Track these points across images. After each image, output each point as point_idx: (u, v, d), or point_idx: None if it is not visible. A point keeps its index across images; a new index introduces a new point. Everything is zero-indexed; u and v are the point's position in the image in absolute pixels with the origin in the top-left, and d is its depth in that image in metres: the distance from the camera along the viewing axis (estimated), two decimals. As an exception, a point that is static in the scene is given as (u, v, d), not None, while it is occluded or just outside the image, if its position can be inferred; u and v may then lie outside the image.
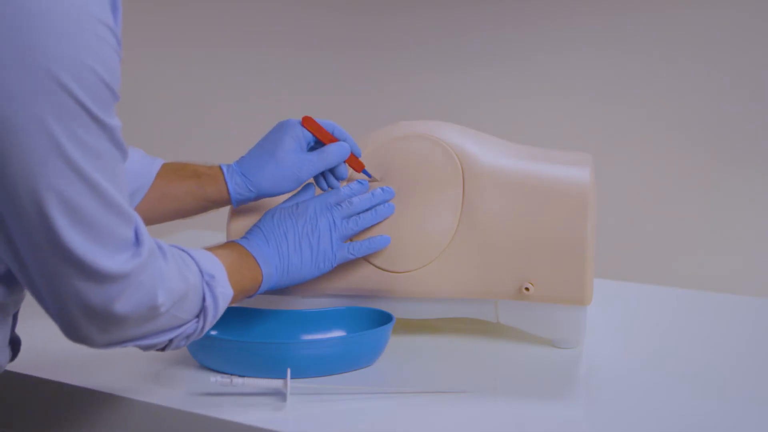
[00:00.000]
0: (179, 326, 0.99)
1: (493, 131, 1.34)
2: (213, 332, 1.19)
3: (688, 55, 1.70)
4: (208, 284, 1.01)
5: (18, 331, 1.05)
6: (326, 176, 1.22)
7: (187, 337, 1.01)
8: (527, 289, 1.20)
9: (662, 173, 1.76)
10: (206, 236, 1.87)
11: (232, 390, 1.08)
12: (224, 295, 1.03)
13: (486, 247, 1.21)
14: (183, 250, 1.01)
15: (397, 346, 1.23)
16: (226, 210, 1.29)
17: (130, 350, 1.19)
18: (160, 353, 1.20)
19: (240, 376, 1.07)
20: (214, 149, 2.18)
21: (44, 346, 1.23)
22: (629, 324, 1.37)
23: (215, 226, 1.87)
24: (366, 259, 1.23)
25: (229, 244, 1.13)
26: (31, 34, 0.83)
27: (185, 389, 1.10)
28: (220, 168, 1.22)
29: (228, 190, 1.21)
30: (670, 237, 1.76)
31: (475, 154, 1.24)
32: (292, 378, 1.08)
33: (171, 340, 1.00)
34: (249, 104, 2.12)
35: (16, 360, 1.07)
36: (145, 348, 0.99)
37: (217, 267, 1.03)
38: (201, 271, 1.01)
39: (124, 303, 0.91)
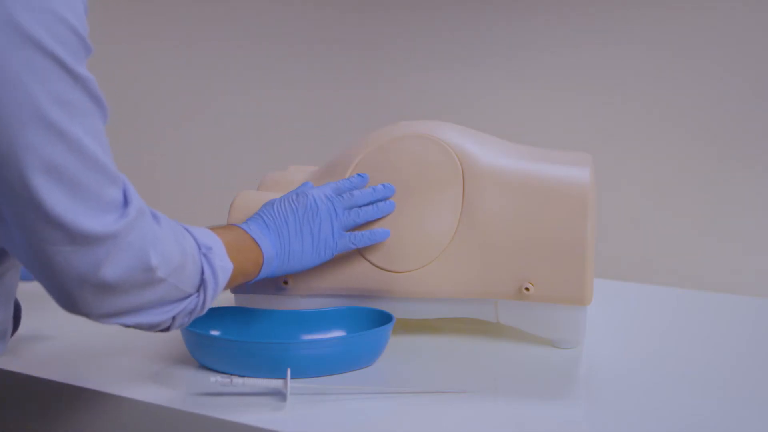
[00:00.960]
0: (181, 299, 0.97)
1: (493, 131, 1.34)
2: (213, 332, 1.19)
3: (689, 54, 1.70)
4: (205, 256, 0.99)
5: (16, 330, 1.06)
6: None
7: (190, 313, 0.99)
8: (527, 289, 1.20)
9: (662, 173, 1.75)
10: (206, 236, 1.87)
11: (232, 390, 1.08)
12: (224, 268, 1.01)
13: (486, 247, 1.21)
14: (177, 222, 1.00)
15: (397, 346, 1.23)
16: (226, 209, 1.29)
17: (131, 349, 1.20)
18: (161, 353, 1.20)
19: (240, 376, 1.07)
20: (212, 149, 2.18)
21: (43, 346, 1.23)
22: (629, 324, 1.37)
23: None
24: (366, 258, 1.23)
25: (228, 226, 1.12)
26: None
27: (185, 389, 1.10)
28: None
29: None
30: (670, 237, 1.76)
31: (475, 154, 1.24)
32: (292, 378, 1.08)
33: (174, 318, 0.98)
34: (248, 104, 2.12)
35: (16, 359, 1.07)
36: (149, 327, 0.97)
37: (214, 241, 1.02)
38: (198, 243, 0.99)
39: (113, 267, 0.88)
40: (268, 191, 1.31)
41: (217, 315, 1.20)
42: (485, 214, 1.22)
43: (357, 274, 1.23)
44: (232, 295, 1.29)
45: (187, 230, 1.00)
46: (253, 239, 1.12)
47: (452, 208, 1.22)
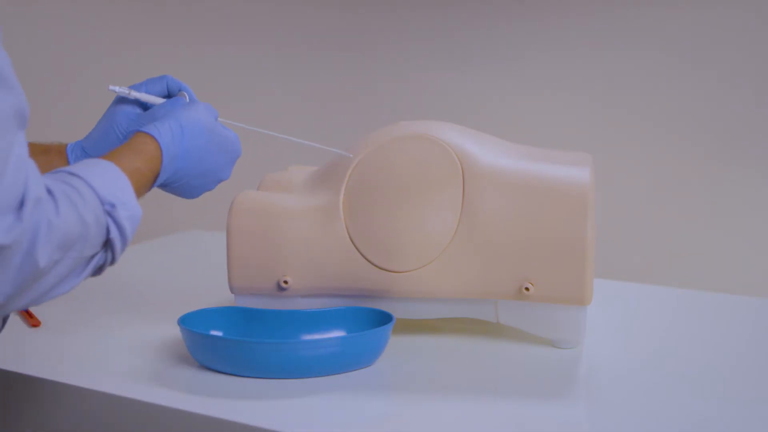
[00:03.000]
0: (87, 262, 0.94)
1: (493, 131, 1.35)
2: (213, 332, 1.19)
3: (689, 54, 1.70)
4: (109, 214, 0.96)
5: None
6: None
7: (100, 268, 0.97)
8: (527, 289, 1.20)
9: (662, 173, 1.76)
10: (206, 236, 1.87)
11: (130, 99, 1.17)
12: (131, 218, 0.98)
13: (486, 247, 1.21)
14: (79, 177, 0.95)
15: (397, 346, 1.23)
16: (226, 209, 1.29)
17: (131, 349, 1.20)
18: (161, 353, 1.20)
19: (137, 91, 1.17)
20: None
21: (42, 347, 1.23)
22: (629, 324, 1.37)
23: (215, 225, 1.87)
24: (366, 258, 1.23)
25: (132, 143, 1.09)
26: None
27: (185, 389, 1.10)
28: (66, 145, 1.21)
29: (69, 164, 1.19)
30: (670, 237, 1.76)
31: (475, 154, 1.24)
32: (292, 378, 1.10)
33: (86, 273, 0.96)
34: (248, 104, 2.12)
35: (16, 359, 1.07)
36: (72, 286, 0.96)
37: (118, 188, 0.98)
38: (101, 201, 0.95)
39: (3, 282, 0.85)
40: (268, 191, 1.31)
41: (217, 315, 1.20)
42: (485, 214, 1.22)
43: (357, 274, 1.23)
44: (232, 295, 1.29)
45: (88, 185, 0.95)
46: (154, 138, 1.08)
47: (452, 208, 1.23)
